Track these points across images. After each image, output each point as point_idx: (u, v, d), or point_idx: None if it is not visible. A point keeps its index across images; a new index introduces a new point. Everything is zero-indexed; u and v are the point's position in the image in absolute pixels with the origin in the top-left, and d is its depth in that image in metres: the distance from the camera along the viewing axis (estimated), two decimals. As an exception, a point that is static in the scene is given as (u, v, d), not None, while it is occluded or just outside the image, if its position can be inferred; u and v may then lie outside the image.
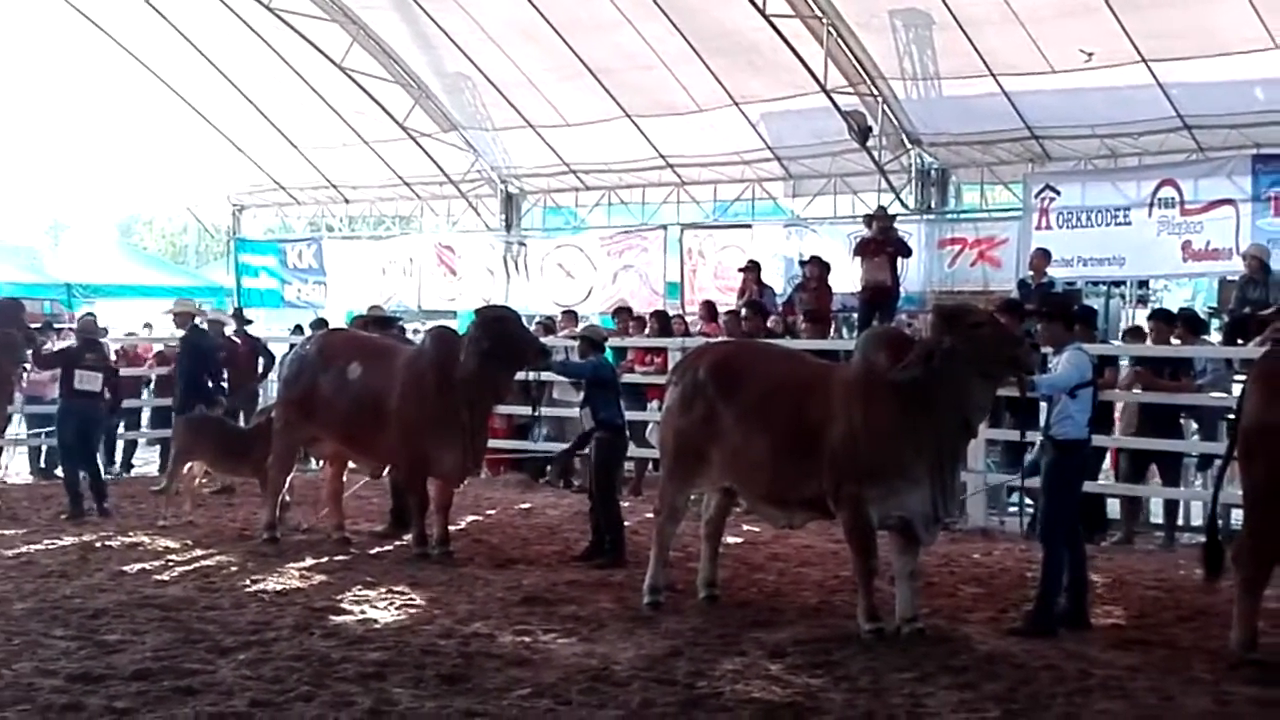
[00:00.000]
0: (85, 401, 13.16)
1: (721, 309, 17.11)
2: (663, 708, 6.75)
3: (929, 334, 8.54)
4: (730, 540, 10.44)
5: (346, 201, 25.28)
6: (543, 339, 13.17)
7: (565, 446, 15.68)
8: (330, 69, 21.60)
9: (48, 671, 7.21)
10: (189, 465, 13.34)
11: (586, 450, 11.79)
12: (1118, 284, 17.19)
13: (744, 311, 15.87)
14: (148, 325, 23.33)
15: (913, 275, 17.86)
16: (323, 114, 22.93)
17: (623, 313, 17.42)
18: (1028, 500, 13.15)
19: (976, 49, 16.51)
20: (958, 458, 8.60)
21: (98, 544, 11.49)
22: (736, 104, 19.04)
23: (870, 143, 18.27)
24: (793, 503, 8.81)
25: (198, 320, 15.72)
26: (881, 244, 16.16)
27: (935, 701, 6.94)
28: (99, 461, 13.78)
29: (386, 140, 23.02)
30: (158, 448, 17.99)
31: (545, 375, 12.94)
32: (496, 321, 11.10)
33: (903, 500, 8.21)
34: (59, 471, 16.47)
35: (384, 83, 21.76)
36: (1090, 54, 15.86)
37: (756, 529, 12.05)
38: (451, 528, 11.47)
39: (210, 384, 15.09)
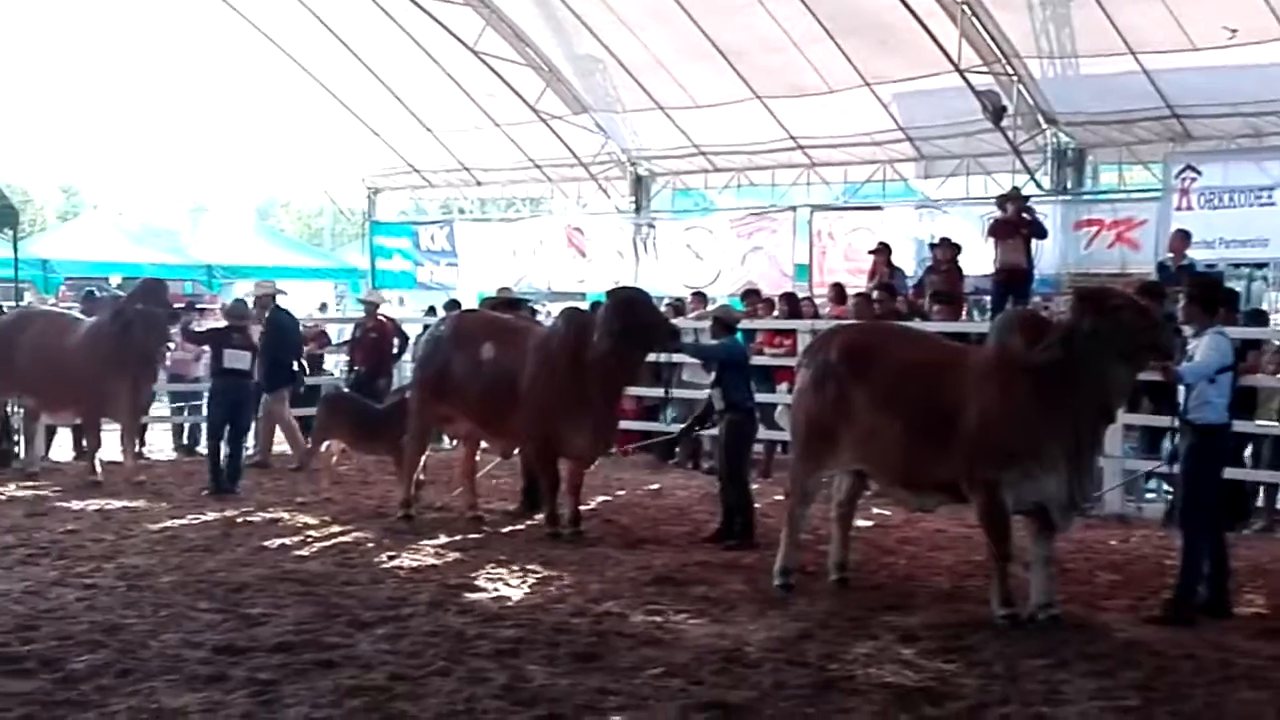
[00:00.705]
0: (233, 379, 13.49)
1: (851, 291, 17.01)
2: (795, 690, 6.75)
3: (1068, 316, 8.41)
4: (860, 523, 10.37)
5: (478, 184, 25.52)
6: (672, 320, 13.21)
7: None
8: (463, 53, 21.81)
9: (194, 643, 7.41)
10: (327, 443, 13.60)
11: (715, 431, 11.81)
12: (1260, 266, 16.73)
13: (874, 294, 15.76)
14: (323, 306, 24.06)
15: (1048, 257, 17.57)
16: (455, 97, 23.17)
17: (752, 294, 17.38)
18: (1166, 486, 12.94)
19: (1115, 26, 16.16)
20: (1096, 442, 8.46)
21: (239, 519, 11.77)
22: (868, 84, 18.86)
23: (1005, 123, 17.95)
24: (926, 486, 8.75)
25: (278, 300, 16.04)
26: (1016, 225, 15.91)
27: (1072, 689, 6.85)
28: (242, 441, 14.03)
29: (518, 123, 23.20)
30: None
31: (675, 356, 12.96)
32: (628, 303, 11.14)
33: (1039, 485, 8.11)
34: (201, 448, 16.99)
35: (516, 66, 21.91)
36: (1234, 31, 15.44)
37: (887, 512, 11.98)
38: (582, 508, 11.56)
39: (293, 362, 15.55)
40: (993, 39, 17.34)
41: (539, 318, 15.39)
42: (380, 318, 17.00)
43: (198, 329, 14.86)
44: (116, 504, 12.47)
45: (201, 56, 27.67)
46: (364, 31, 22.37)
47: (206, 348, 14.65)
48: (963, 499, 8.67)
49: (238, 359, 13.44)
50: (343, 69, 23.54)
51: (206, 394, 14.15)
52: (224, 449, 13.52)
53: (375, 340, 16.60)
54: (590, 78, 21.70)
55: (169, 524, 11.49)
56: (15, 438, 15.23)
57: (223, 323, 14.39)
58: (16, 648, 7.22)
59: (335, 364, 21.14)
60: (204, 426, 17.35)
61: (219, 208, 70.07)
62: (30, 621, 7.84)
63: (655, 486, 14.46)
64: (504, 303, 14.37)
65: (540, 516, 11.55)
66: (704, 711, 6.41)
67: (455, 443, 13.53)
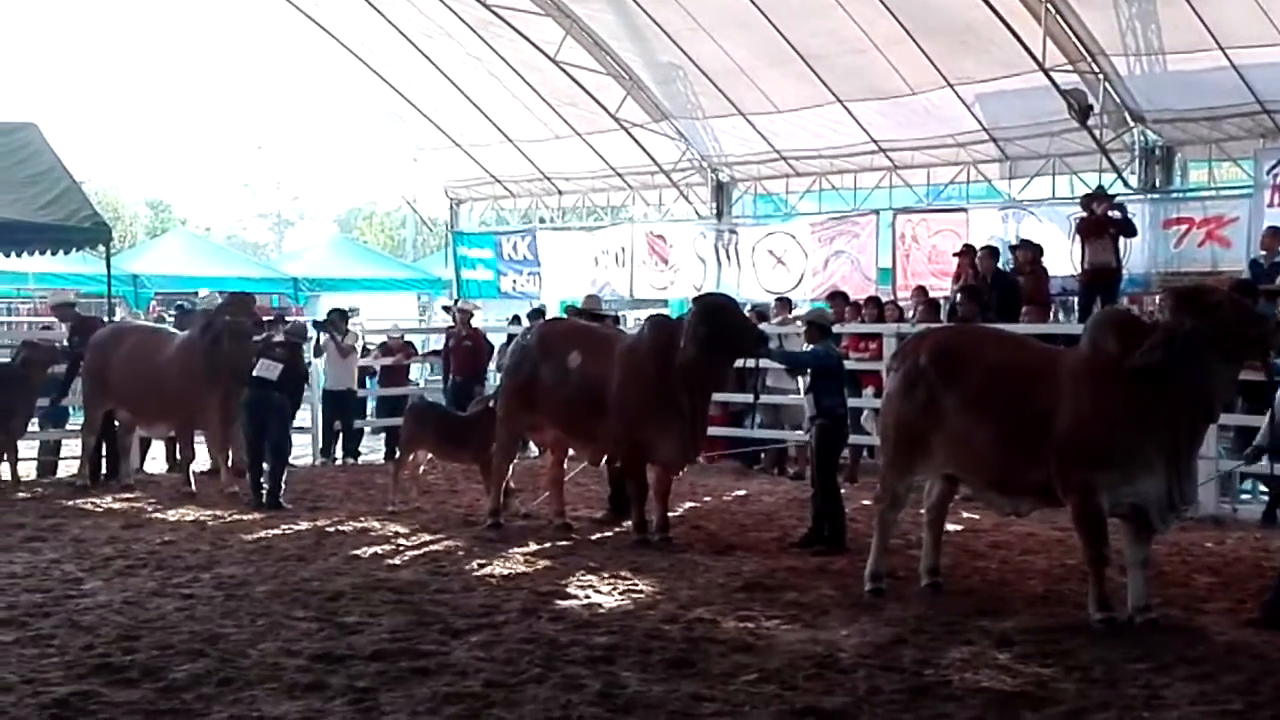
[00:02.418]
0: (259, 390, 13.34)
1: (935, 294, 16.89)
2: (890, 695, 6.71)
3: (1166, 317, 8.29)
4: (950, 527, 10.29)
5: (559, 192, 25.62)
6: (758, 326, 13.18)
7: (781, 434, 15.81)
8: (544, 62, 21.90)
9: (292, 652, 7.50)
10: (414, 453, 13.71)
11: (807, 437, 11.77)
12: (1352, 261, 16.40)
13: (959, 297, 15.63)
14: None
15: (1136, 257, 17.31)
16: (536, 107, 23.27)
17: (838, 298, 17.32)
18: (1262, 487, 12.74)
19: (1203, 21, 15.90)
20: (1196, 444, 8.34)
21: (331, 529, 11.91)
22: (951, 85, 18.70)
23: (1091, 121, 17.74)
24: (1019, 489, 8.68)
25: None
26: (1104, 225, 15.73)
27: (1173, 693, 6.76)
28: (282, 449, 13.69)
29: (598, 131, 23.26)
30: (383, 435, 18.59)
31: (762, 362, 12.93)
32: (715, 309, 11.15)
33: (1136, 487, 8.01)
34: (293, 460, 17.19)
35: (596, 74, 21.97)
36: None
37: (977, 516, 11.90)
38: (670, 514, 11.57)
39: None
40: (1077, 37, 17.13)
41: (621, 325, 15.48)
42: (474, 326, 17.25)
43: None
44: (211, 515, 12.66)
45: (284, 72, 28.10)
46: (445, 43, 22.54)
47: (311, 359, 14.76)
48: (1056, 502, 8.60)
49: (268, 369, 13.35)
50: (424, 81, 23.75)
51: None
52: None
53: (471, 349, 16.78)
54: (670, 85, 21.71)
55: (263, 534, 11.65)
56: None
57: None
58: (120, 658, 7.34)
59: (421, 374, 21.41)
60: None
61: (302, 221, 71.18)
62: (132, 631, 7.98)
63: (741, 492, 14.46)
64: (585, 313, 14.39)
65: (628, 523, 11.59)
66: (799, 717, 6.41)
67: (542, 451, 13.58)
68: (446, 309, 20.68)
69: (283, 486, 13.33)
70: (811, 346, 11.63)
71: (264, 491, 13.23)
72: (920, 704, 6.59)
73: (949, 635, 7.98)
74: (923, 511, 9.61)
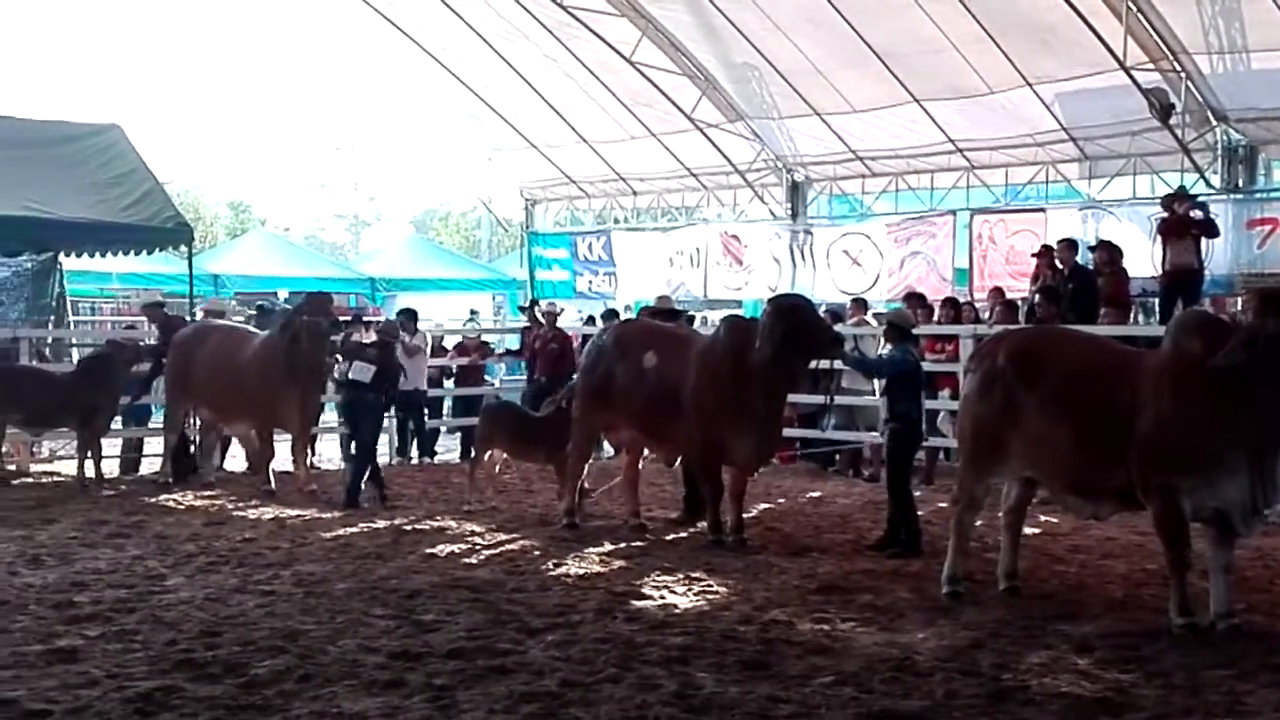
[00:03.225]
0: (353, 392, 13.65)
1: (1012, 295, 16.74)
2: (968, 700, 6.66)
3: (1250, 318, 8.17)
4: (1028, 531, 10.21)
5: (634, 193, 25.67)
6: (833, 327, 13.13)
7: (855, 435, 15.74)
8: (619, 63, 21.96)
9: (371, 649, 7.56)
10: (489, 452, 13.79)
11: (882, 440, 11.72)
12: None
13: (1037, 298, 15.49)
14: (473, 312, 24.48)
15: (1218, 258, 17.07)
16: (611, 107, 23.34)
17: (913, 299, 17.21)
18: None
19: (1287, 18, 15.69)
20: (1280, 447, 8.22)
21: (408, 527, 12.01)
22: (1029, 85, 18.54)
23: (1173, 120, 17.53)
24: (1099, 493, 8.58)
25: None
26: (1186, 225, 15.52)
27: (1256, 700, 6.65)
28: (372, 450, 14.04)
29: (673, 132, 23.29)
30: (459, 435, 18.71)
31: (837, 364, 12.87)
32: (791, 310, 11.12)
33: (1219, 490, 7.89)
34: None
35: (672, 75, 21.99)
36: None
37: (1055, 519, 11.79)
38: (744, 515, 11.56)
39: None
40: (1159, 35, 16.92)
41: (695, 325, 15.47)
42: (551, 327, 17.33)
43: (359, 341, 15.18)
44: (290, 512, 12.82)
45: (362, 74, 28.34)
46: (521, 44, 22.65)
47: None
48: (1137, 506, 8.50)
49: (361, 371, 13.57)
50: (500, 82, 23.87)
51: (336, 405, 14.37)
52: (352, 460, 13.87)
53: (556, 350, 16.87)
54: (746, 85, 21.69)
55: (341, 532, 11.77)
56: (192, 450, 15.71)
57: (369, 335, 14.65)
58: (202, 653, 7.44)
59: (496, 374, 21.52)
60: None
61: (379, 222, 71.80)
62: (213, 627, 8.08)
63: (816, 494, 14.42)
64: (660, 313, 14.40)
65: (702, 524, 11.59)
66: (876, 720, 6.39)
67: (618, 451, 13.62)
68: (522, 309, 20.76)
69: (362, 486, 13.48)
70: (890, 348, 11.57)
71: (384, 493, 13.57)
72: (998, 709, 6.54)
73: (1027, 640, 7.91)
74: (1000, 514, 9.54)
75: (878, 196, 22.43)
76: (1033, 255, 16.98)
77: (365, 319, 18.86)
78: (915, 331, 15.54)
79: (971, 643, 7.81)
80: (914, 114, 20.16)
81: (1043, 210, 19.80)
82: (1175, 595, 8.11)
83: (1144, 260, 16.59)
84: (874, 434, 14.15)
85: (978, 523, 9.74)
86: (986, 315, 16.54)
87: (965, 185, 21.12)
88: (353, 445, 14.28)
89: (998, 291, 17.25)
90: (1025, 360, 8.88)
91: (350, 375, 13.68)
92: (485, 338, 20.65)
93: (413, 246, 39.04)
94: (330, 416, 18.56)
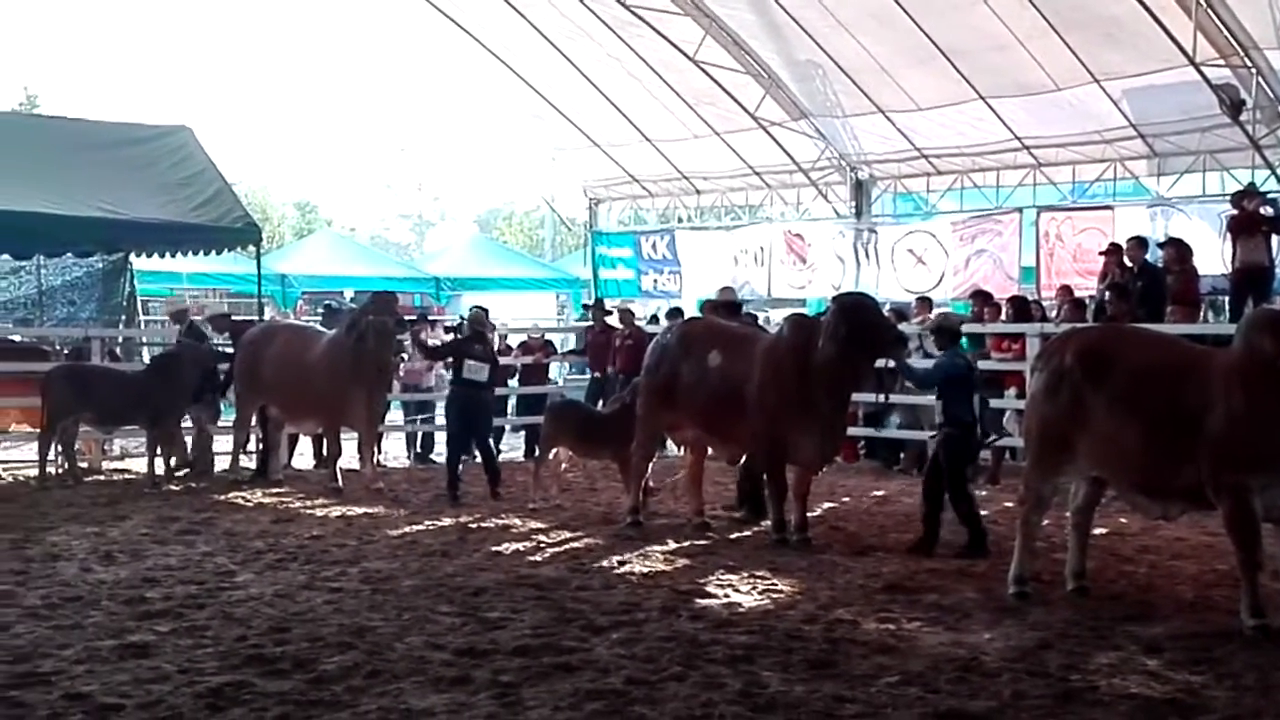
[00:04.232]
0: (470, 390, 13.84)
1: (1080, 294, 16.60)
2: (1036, 700, 6.61)
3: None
4: (1096, 531, 10.10)
5: (697, 192, 25.67)
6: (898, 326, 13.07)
7: (921, 434, 15.64)
8: (683, 62, 21.98)
9: (437, 645, 7.61)
10: (554, 450, 13.84)
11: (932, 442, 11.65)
12: None
13: (1108, 295, 15.35)
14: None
15: (1290, 256, 16.86)
16: (675, 106, 23.36)
17: (979, 297, 17.11)
18: None
19: (1362, 12, 15.48)
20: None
21: (473, 525, 12.07)
22: (1097, 80, 18.37)
23: (1243, 116, 17.32)
24: (1168, 493, 8.47)
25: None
26: (1256, 222, 15.34)
27: (1329, 703, 6.58)
28: (490, 446, 14.42)
29: (737, 130, 23.29)
30: (523, 433, 18.78)
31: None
32: (855, 308, 11.07)
33: (1292, 491, 7.79)
34: (435, 456, 17.50)
35: (735, 74, 21.99)
36: None
37: (1124, 520, 11.67)
38: (809, 515, 11.53)
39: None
40: (1229, 30, 16.71)
41: (759, 324, 15.44)
42: (618, 326, 17.38)
43: (431, 342, 15.30)
44: (357, 510, 12.92)
45: (427, 74, 28.50)
46: (585, 44, 22.71)
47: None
48: (1207, 506, 8.39)
49: (477, 370, 13.77)
50: (564, 81, 23.95)
51: (444, 402, 14.50)
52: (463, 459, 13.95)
53: (632, 348, 16.89)
54: (809, 83, 21.63)
55: (407, 530, 11.86)
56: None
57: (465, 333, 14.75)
58: (271, 649, 7.52)
59: (560, 372, 21.58)
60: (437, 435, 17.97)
61: (444, 221, 72.22)
62: (282, 624, 8.16)
63: (881, 493, 14.36)
64: (722, 305, 14.31)
65: (767, 523, 11.57)
66: (942, 721, 6.35)
67: (682, 449, 13.62)
68: (587, 308, 20.81)
69: (499, 473, 14.01)
70: (939, 353, 11.47)
71: (459, 485, 13.75)
72: (1066, 710, 6.48)
73: (1096, 640, 7.83)
74: (1068, 514, 9.46)
75: (943, 194, 22.31)
76: (1101, 253, 16.84)
77: (431, 318, 19.01)
78: (983, 330, 15.55)
79: (1039, 643, 7.74)
80: (979, 111, 20.04)
81: (1110, 208, 19.64)
82: (1247, 596, 8.01)
83: (1214, 258, 16.42)
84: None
85: (1045, 522, 9.66)
86: (1054, 314, 16.41)
87: (1031, 183, 20.98)
88: (448, 441, 14.42)
89: (1066, 290, 17.11)
90: (1093, 359, 8.79)
91: (465, 375, 13.83)
92: (549, 337, 20.71)
93: (477, 246, 39.24)
94: (396, 416, 18.74)
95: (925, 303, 18.27)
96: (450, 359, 14.27)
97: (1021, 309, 16.11)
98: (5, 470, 15.91)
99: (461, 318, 17.38)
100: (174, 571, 9.84)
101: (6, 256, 18.46)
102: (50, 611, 8.48)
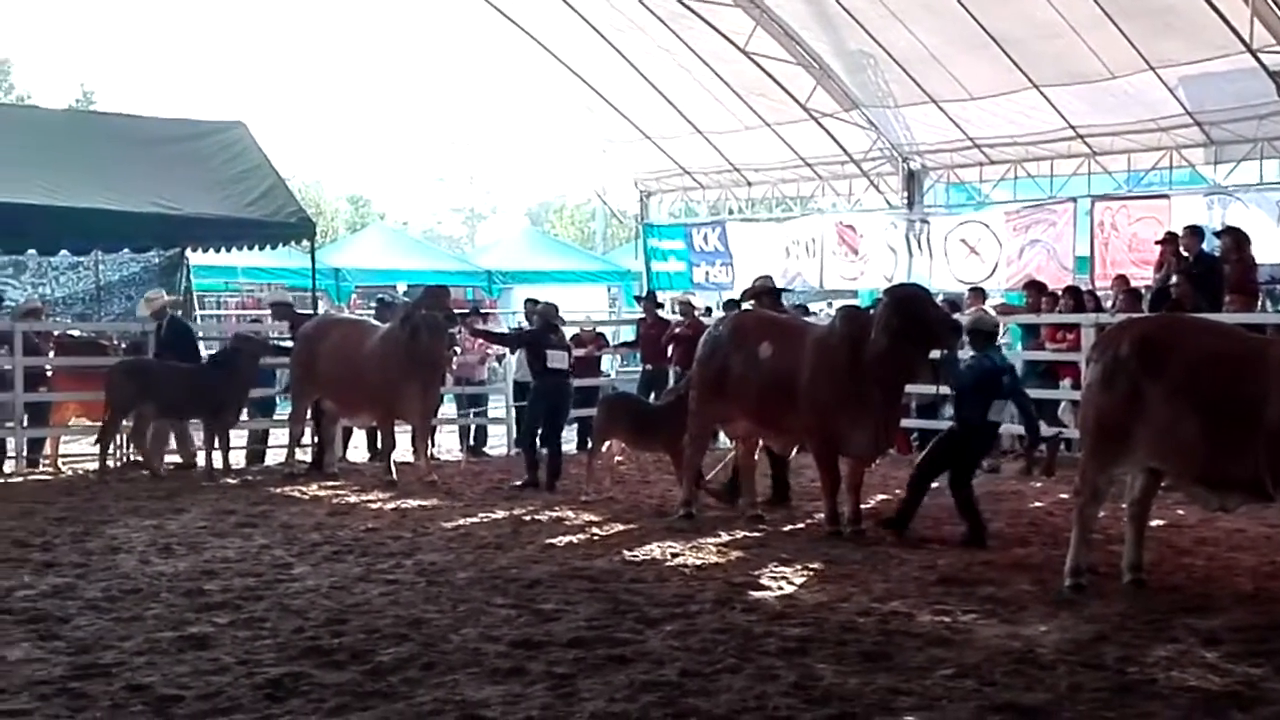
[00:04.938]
0: (557, 379, 13.99)
1: (1136, 284, 16.46)
2: (1092, 693, 6.56)
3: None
4: (1153, 523, 10.02)
5: (748, 184, 25.64)
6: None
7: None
8: (733, 53, 21.95)
9: (492, 637, 7.63)
10: (608, 443, 13.87)
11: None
12: None
13: (1174, 279, 15.16)
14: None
15: (1349, 243, 16.69)
16: (726, 98, 23.35)
17: (1033, 288, 16.99)
18: None
19: None
20: None
21: (527, 518, 12.12)
22: (1152, 68, 18.21)
23: (1302, 104, 17.14)
24: (1226, 484, 8.40)
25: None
26: (1316, 210, 15.17)
27: (1391, 696, 6.50)
28: (560, 439, 14.50)
29: (788, 122, 23.24)
30: (576, 426, 18.81)
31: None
32: (908, 300, 11.02)
33: (1353, 483, 7.71)
34: (487, 449, 17.59)
35: (786, 64, 21.94)
36: None
37: (1181, 512, 11.57)
38: (862, 506, 11.50)
39: None
40: (1286, 16, 16.54)
41: (810, 315, 15.40)
42: (673, 317, 17.39)
43: (508, 331, 15.41)
44: (412, 503, 12.99)
45: (477, 68, 28.59)
46: (635, 36, 22.73)
47: (505, 350, 15.14)
48: (1266, 497, 8.32)
49: (559, 359, 13.99)
50: (614, 73, 23.98)
51: (530, 394, 14.57)
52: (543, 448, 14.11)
53: (692, 339, 16.87)
54: (861, 74, 21.55)
55: (461, 522, 11.90)
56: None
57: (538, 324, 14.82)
58: (328, 640, 7.57)
59: (612, 365, 21.61)
60: (489, 429, 18.07)
61: (495, 215, 72.45)
62: (339, 616, 8.22)
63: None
64: (766, 292, 14.23)
65: (820, 514, 11.55)
66: (999, 713, 6.29)
67: (734, 442, 13.61)
68: (638, 299, 20.82)
69: (561, 469, 14.15)
70: (973, 354, 11.36)
71: (538, 471, 13.94)
72: (1124, 703, 6.43)
73: (1153, 633, 7.76)
74: (1124, 506, 9.39)
75: (996, 184, 22.19)
76: (1157, 243, 16.70)
77: (484, 311, 19.07)
78: (1038, 320, 15.45)
79: (1095, 635, 7.69)
80: (1033, 100, 19.90)
81: (1166, 196, 19.46)
82: (1306, 588, 7.94)
83: (1271, 246, 16.25)
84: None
85: (1101, 514, 9.59)
86: (1109, 304, 16.27)
87: (1086, 172, 20.83)
88: (525, 430, 14.61)
89: (1122, 279, 16.99)
90: (1149, 349, 8.71)
91: (550, 364, 14.04)
92: (600, 330, 20.74)
93: (528, 239, 39.30)
94: (449, 409, 18.82)
95: (978, 293, 18.16)
96: (527, 349, 14.44)
97: (1076, 299, 15.99)
98: (65, 464, 16.12)
99: (533, 305, 17.37)
100: (232, 564, 9.93)
101: (65, 252, 18.65)
102: (111, 604, 8.58)
